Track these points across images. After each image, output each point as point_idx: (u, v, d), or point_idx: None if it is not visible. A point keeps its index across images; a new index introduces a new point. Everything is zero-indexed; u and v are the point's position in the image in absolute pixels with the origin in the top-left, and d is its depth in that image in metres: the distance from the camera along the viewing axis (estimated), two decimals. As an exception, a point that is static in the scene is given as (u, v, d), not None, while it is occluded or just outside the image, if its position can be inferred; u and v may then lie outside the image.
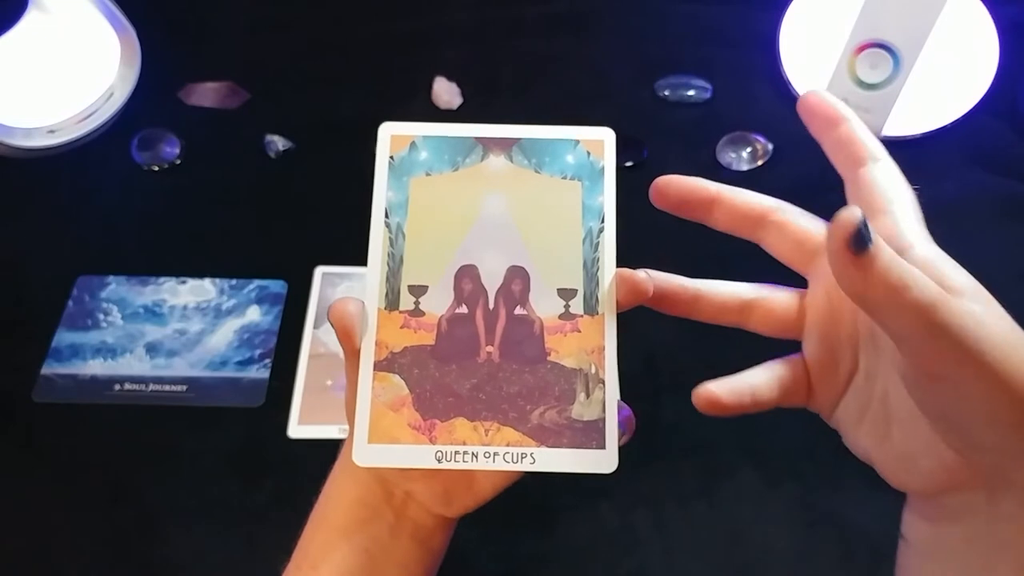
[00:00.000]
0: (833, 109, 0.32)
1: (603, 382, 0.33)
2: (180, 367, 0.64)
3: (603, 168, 0.36)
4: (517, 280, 0.35)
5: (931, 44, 0.74)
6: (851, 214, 0.25)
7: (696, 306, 0.34)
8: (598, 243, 0.35)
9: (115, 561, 0.55)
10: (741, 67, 0.86)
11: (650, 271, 0.34)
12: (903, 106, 0.77)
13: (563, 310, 0.34)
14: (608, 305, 0.34)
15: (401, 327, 0.34)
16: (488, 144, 0.36)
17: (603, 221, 0.35)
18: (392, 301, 0.34)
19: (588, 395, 0.33)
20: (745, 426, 0.61)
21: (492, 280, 0.35)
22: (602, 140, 0.36)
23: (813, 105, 0.33)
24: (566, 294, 0.34)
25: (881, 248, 0.25)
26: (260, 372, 0.64)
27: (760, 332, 0.35)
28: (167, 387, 0.63)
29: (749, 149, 0.78)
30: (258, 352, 0.65)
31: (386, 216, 0.35)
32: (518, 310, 0.34)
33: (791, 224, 0.33)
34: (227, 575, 0.55)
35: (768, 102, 0.83)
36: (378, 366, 0.33)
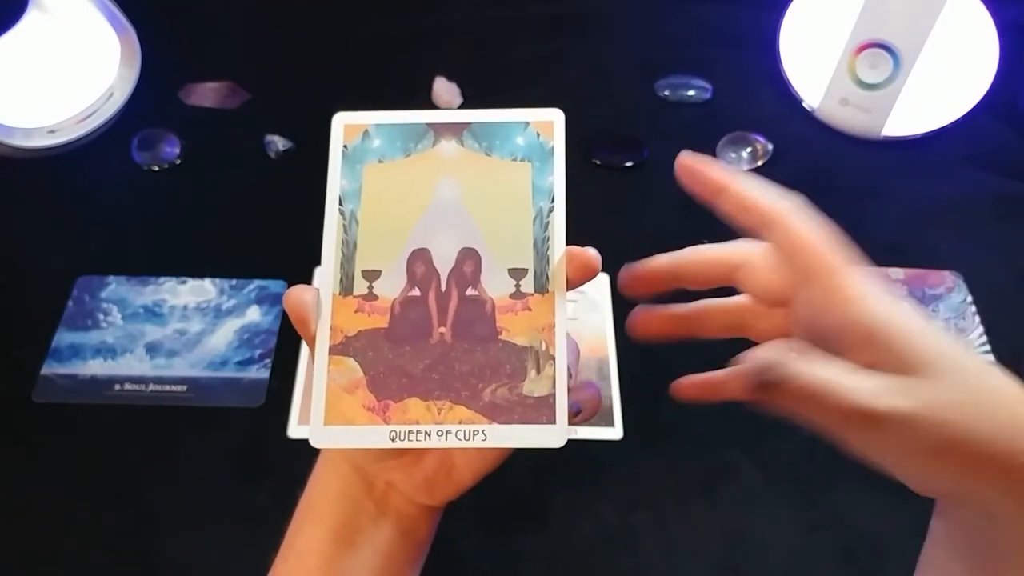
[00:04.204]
0: (712, 178, 0.33)
1: (553, 359, 0.34)
2: (180, 367, 0.64)
3: (553, 148, 0.36)
4: (469, 261, 0.35)
5: (931, 44, 0.74)
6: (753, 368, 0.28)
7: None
8: (548, 223, 0.35)
9: (115, 561, 0.55)
10: (741, 67, 0.86)
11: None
12: (903, 106, 0.77)
13: (514, 289, 0.35)
14: (558, 283, 0.34)
15: (355, 311, 0.35)
16: (439, 129, 0.37)
17: (553, 201, 0.36)
18: (346, 286, 0.35)
19: (539, 372, 0.33)
20: (745, 426, 0.61)
21: (444, 262, 0.35)
22: (552, 121, 0.37)
23: (690, 170, 0.34)
24: (517, 274, 0.35)
25: (791, 377, 0.27)
26: (260, 372, 0.64)
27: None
28: (167, 387, 0.63)
29: (749, 149, 0.78)
30: (258, 352, 0.65)
31: (340, 204, 0.36)
32: (470, 291, 0.35)
33: (785, 240, 0.33)
34: (227, 575, 0.55)
35: (768, 102, 0.83)
36: (333, 350, 0.34)
